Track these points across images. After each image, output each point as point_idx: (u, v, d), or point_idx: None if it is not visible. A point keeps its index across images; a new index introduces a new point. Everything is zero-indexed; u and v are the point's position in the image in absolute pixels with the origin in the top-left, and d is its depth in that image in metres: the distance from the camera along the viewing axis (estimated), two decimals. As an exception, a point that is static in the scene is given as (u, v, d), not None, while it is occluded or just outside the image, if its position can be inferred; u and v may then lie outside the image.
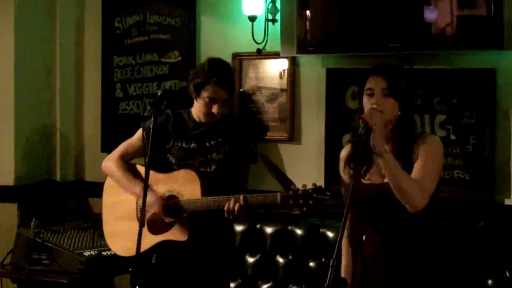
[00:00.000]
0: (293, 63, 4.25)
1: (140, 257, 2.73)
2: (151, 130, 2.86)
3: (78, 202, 4.86)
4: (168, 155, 3.25)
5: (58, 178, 4.84)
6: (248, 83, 4.36)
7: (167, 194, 3.16)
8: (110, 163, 3.29)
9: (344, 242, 2.85)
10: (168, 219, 3.13)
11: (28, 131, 4.64)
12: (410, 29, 3.77)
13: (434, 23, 3.72)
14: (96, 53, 4.80)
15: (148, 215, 3.08)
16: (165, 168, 3.23)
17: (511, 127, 3.79)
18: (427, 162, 2.63)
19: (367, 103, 2.68)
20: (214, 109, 3.12)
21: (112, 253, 3.38)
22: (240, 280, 4.01)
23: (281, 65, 4.29)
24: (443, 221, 3.32)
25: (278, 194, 2.90)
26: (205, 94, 3.12)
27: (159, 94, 2.94)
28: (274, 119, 4.32)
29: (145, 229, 2.97)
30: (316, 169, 4.18)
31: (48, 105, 4.78)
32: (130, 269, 2.73)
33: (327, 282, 2.33)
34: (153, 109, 2.90)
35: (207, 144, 3.20)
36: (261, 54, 4.23)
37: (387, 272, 2.70)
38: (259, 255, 4.01)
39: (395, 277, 2.68)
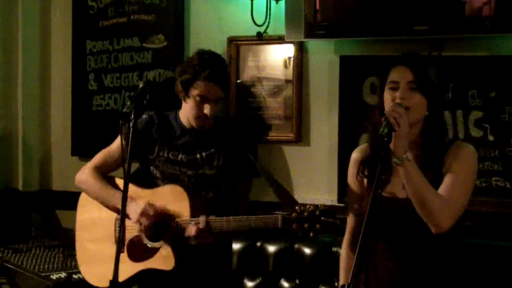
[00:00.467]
0: (301, 49, 4.12)
1: None
2: (131, 130, 2.75)
3: (44, 215, 4.80)
4: (151, 167, 3.22)
5: (20, 187, 4.76)
6: (247, 73, 4.24)
7: None
8: (85, 175, 3.27)
9: (345, 245, 2.88)
10: (151, 244, 3.06)
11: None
12: (439, 9, 3.66)
13: (469, 2, 3.60)
14: (65, 37, 4.72)
15: (129, 234, 3.06)
16: (149, 182, 3.21)
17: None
18: (458, 177, 2.60)
19: (389, 99, 2.63)
20: (206, 110, 3.07)
21: (85, 276, 3.44)
22: (238, 309, 3.98)
23: (286, 51, 4.15)
24: (481, 239, 3.36)
25: (280, 216, 2.86)
26: (195, 92, 3.07)
27: (140, 86, 2.86)
28: (278, 116, 4.18)
29: (124, 255, 3.00)
30: (327, 176, 4.08)
31: (7, 100, 4.69)
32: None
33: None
34: (133, 105, 2.76)
35: (198, 156, 3.16)
36: (262, 38, 4.13)
37: None
38: (260, 278, 3.90)
39: None
